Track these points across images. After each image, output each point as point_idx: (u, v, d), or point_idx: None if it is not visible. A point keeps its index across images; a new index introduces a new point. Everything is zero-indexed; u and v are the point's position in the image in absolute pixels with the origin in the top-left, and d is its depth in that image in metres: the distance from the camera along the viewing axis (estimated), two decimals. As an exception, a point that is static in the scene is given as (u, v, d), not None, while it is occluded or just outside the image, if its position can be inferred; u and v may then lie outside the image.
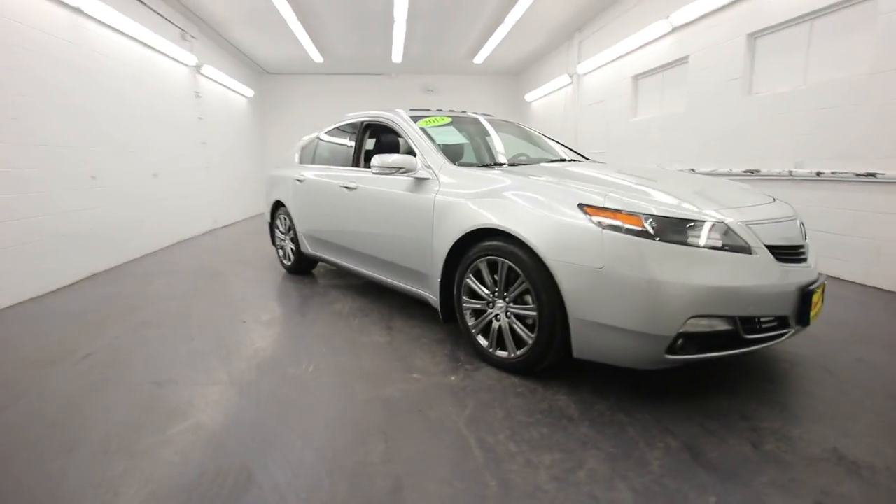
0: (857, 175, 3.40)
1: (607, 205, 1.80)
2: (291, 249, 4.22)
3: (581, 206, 1.84)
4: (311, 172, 3.80)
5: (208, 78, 7.56)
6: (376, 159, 2.67)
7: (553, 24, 7.70)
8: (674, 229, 1.71)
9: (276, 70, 10.82)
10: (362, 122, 3.42)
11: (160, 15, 5.92)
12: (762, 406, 1.84)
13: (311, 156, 4.06)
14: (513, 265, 2.02)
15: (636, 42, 6.14)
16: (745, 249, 1.73)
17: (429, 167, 2.59)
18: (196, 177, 7.01)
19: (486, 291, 2.20)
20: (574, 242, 1.81)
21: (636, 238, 1.70)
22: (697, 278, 1.64)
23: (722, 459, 1.52)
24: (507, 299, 2.11)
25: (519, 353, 2.09)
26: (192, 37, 6.88)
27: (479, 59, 9.68)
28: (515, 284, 2.04)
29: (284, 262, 4.39)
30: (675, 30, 5.44)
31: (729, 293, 1.65)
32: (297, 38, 7.91)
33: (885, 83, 3.26)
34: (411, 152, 2.79)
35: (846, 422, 1.73)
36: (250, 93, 9.76)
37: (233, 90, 8.88)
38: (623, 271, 1.69)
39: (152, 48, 5.73)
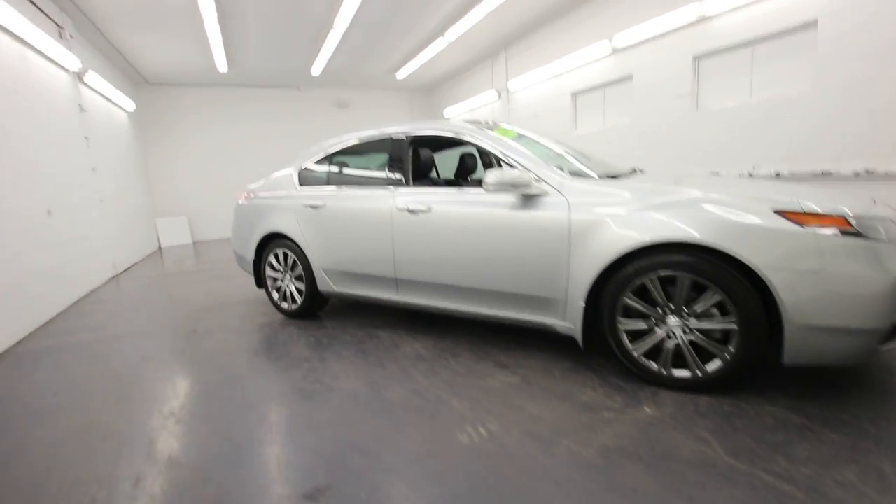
0: (814, 174, 4.13)
1: (806, 209, 1.84)
2: (297, 290, 3.51)
3: (779, 211, 1.85)
4: (333, 196, 3.22)
5: (91, 88, 6.01)
6: (491, 175, 2.35)
7: (480, 41, 7.91)
8: (868, 227, 1.81)
9: (160, 80, 9.15)
10: (407, 136, 3.01)
11: (30, 2, 4.51)
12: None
13: (321, 177, 3.44)
14: (700, 278, 1.93)
15: (576, 62, 6.63)
16: None
17: (541, 181, 2.38)
18: (91, 212, 5.46)
19: (654, 310, 2.08)
20: (783, 249, 1.80)
21: (851, 239, 1.76)
22: None
23: None
24: (685, 315, 2.02)
25: (710, 369, 2.00)
26: (70, 35, 5.40)
27: (403, 74, 9.50)
28: (703, 298, 1.96)
29: (283, 304, 3.63)
30: (617, 51, 6.02)
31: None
32: (205, 41, 6.78)
33: (824, 99, 4.03)
34: (488, 166, 2.54)
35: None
36: (131, 106, 8.04)
37: (115, 103, 7.21)
38: (847, 270, 1.73)
39: (28, 45, 4.32)
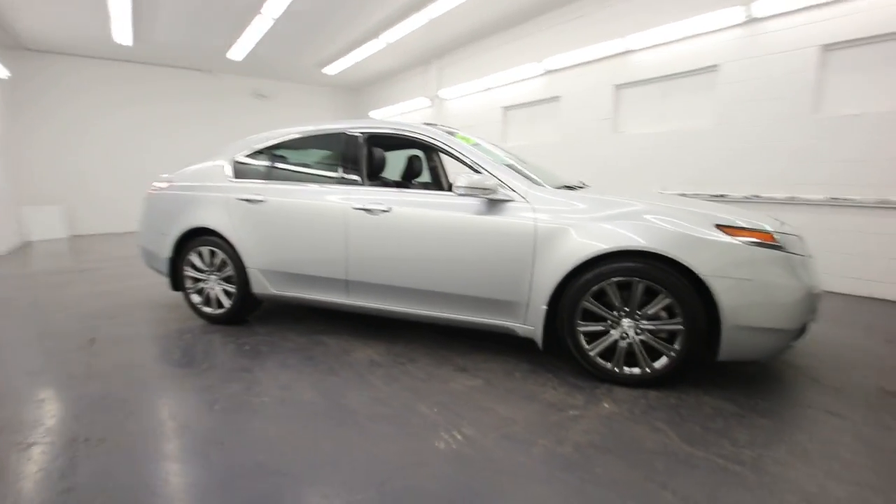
0: (713, 196, 4.77)
1: (741, 224, 2.10)
2: (225, 292, 3.16)
3: (719, 226, 2.09)
4: (277, 191, 2.96)
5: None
6: (463, 179, 2.33)
7: (414, 48, 7.93)
8: (788, 242, 2.13)
9: (44, 46, 7.74)
10: (363, 134, 2.88)
11: None
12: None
13: (260, 170, 3.14)
14: (652, 283, 2.11)
15: (508, 78, 6.95)
16: (808, 257, 2.28)
17: (505, 187, 2.42)
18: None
19: (611, 312, 2.22)
20: (725, 259, 2.03)
21: (775, 252, 2.05)
22: (813, 279, 2.10)
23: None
24: (638, 317, 2.18)
25: (657, 366, 2.18)
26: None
27: (333, 70, 9.15)
28: (655, 302, 2.13)
29: (206, 309, 3.23)
30: (547, 73, 6.42)
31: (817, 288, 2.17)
32: (105, 7, 5.89)
33: (722, 133, 4.69)
34: (434, 173, 2.54)
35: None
36: (4, 73, 6.67)
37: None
38: (774, 280, 2.01)
39: None
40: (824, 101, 3.99)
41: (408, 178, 3.59)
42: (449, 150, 2.66)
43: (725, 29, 4.50)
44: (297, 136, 3.11)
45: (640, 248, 2.10)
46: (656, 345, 2.17)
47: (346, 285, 2.80)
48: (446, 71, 8.41)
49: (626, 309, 2.20)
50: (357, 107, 11.61)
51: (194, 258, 3.21)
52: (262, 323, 3.28)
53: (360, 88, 11.39)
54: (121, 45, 7.53)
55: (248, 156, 3.22)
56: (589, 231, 2.22)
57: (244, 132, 10.67)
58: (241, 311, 3.18)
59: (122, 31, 6.75)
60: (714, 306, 2.06)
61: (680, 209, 2.21)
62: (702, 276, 2.03)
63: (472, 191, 2.34)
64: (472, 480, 1.56)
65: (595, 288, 2.20)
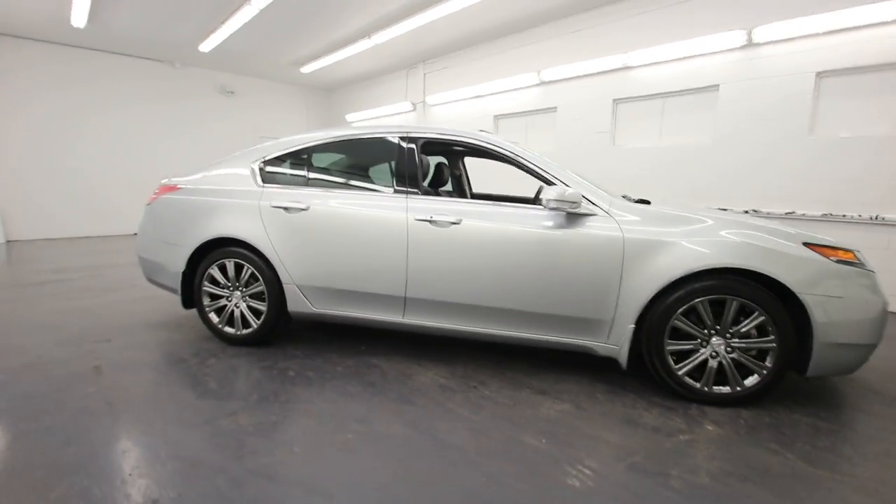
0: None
1: (828, 243, 2.15)
2: (252, 311, 2.82)
3: (807, 244, 2.13)
4: (321, 199, 2.69)
5: None
6: (552, 192, 2.21)
7: (398, 51, 7.73)
8: (864, 259, 2.21)
9: (-31, 21, 6.69)
10: (419, 139, 2.69)
11: None
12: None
13: (296, 176, 2.84)
14: (747, 301, 2.11)
15: (501, 87, 6.94)
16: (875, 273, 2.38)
17: (587, 201, 2.34)
18: None
19: (701, 330, 2.19)
20: (818, 277, 2.07)
21: (859, 269, 2.11)
22: (885, 294, 2.19)
23: None
24: (729, 335, 2.17)
25: (748, 384, 2.18)
26: None
27: (310, 69, 8.70)
28: (750, 320, 2.13)
29: (228, 329, 2.86)
30: (543, 83, 6.48)
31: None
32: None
33: (721, 150, 4.92)
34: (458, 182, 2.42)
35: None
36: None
37: None
38: (863, 296, 2.07)
39: None
40: (819, 124, 4.31)
41: (434, 187, 3.43)
42: (519, 159, 2.53)
43: (726, 51, 4.74)
44: (337, 139, 2.85)
45: (739, 266, 2.09)
46: (749, 363, 2.18)
47: (404, 303, 2.59)
48: (434, 76, 8.28)
49: (718, 327, 2.19)
50: (330, 109, 11.16)
51: (215, 272, 2.84)
52: (292, 343, 2.96)
53: (334, 89, 10.96)
54: (72, 27, 6.69)
55: (277, 160, 2.91)
56: (682, 247, 2.19)
57: (206, 128, 10.00)
58: (272, 332, 2.85)
59: (76, 12, 6.00)
60: (805, 323, 2.09)
61: (769, 227, 2.23)
62: (798, 294, 2.05)
63: (561, 204, 2.23)
64: (635, 523, 1.44)
65: (688, 305, 2.18)
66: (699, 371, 2.24)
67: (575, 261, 2.30)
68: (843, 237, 4.13)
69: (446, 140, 2.68)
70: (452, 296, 2.49)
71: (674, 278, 2.15)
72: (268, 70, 9.32)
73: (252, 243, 2.73)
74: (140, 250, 3.16)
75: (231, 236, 2.77)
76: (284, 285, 2.73)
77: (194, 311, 3.10)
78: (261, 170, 2.90)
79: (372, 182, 2.78)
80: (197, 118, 9.28)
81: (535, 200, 3.03)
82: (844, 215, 4.17)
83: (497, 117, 7.28)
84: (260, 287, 2.77)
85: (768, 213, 4.61)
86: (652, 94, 5.44)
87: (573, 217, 2.34)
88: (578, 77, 6.04)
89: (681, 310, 2.18)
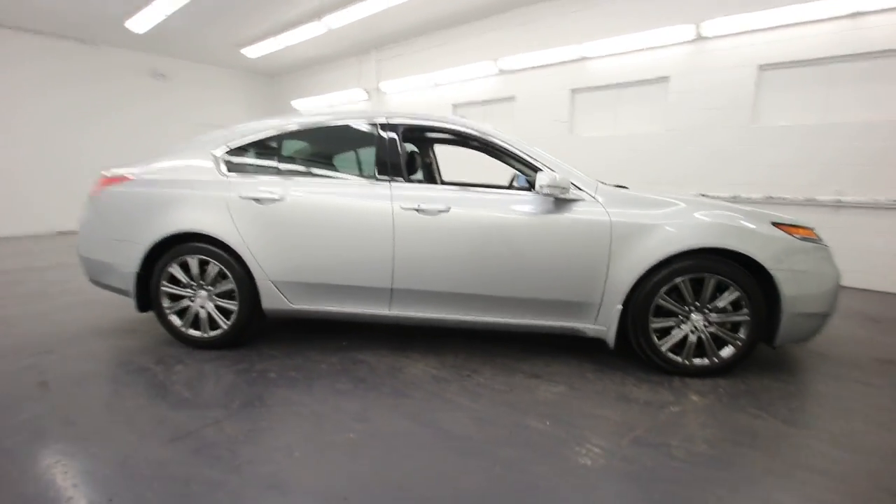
0: (666, 195, 5.26)
1: (792, 222, 2.32)
2: (220, 310, 2.60)
3: (775, 224, 2.29)
4: (297, 188, 2.52)
5: None
6: (545, 178, 2.20)
7: (350, 35, 7.45)
8: (819, 237, 2.41)
9: None
10: (400, 126, 2.58)
11: None
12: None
13: (266, 164, 2.64)
14: (723, 279, 2.23)
15: (460, 75, 6.89)
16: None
17: (574, 186, 2.37)
18: None
19: (682, 307, 2.30)
20: (786, 254, 2.23)
21: (818, 244, 2.30)
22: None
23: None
24: (707, 311, 2.29)
25: (724, 356, 2.32)
26: None
27: (255, 52, 8.16)
28: (725, 295, 2.26)
29: (193, 332, 2.63)
30: (502, 72, 6.50)
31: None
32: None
33: (672, 138, 5.20)
34: (429, 169, 2.41)
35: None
36: None
37: None
38: (822, 270, 2.26)
39: None
40: (761, 113, 4.66)
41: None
42: (504, 145, 2.51)
43: (676, 44, 4.99)
44: (312, 125, 2.68)
45: (718, 246, 2.20)
46: (725, 336, 2.31)
47: (391, 294, 2.50)
48: (388, 63, 8.06)
49: (696, 303, 2.30)
50: (274, 95, 10.57)
51: (175, 271, 2.59)
52: (267, 343, 2.78)
53: (279, 75, 10.39)
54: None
55: (243, 148, 2.69)
56: (665, 229, 2.27)
57: (135, 116, 9.11)
58: (244, 333, 2.66)
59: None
60: (774, 297, 2.25)
61: (742, 209, 2.37)
62: (770, 270, 2.20)
63: (554, 189, 2.24)
64: (665, 496, 1.47)
65: (669, 285, 2.27)
66: (679, 346, 2.36)
67: (565, 245, 2.33)
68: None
69: (429, 126, 2.61)
70: (441, 285, 2.44)
71: (660, 259, 2.23)
72: (206, 53, 8.65)
73: (219, 238, 2.51)
74: (82, 249, 2.81)
75: (194, 231, 2.53)
76: (258, 281, 2.55)
77: (150, 314, 2.82)
78: (224, 158, 2.67)
79: (351, 170, 2.65)
80: (123, 105, 8.44)
81: (510, 187, 3.03)
82: (783, 198, 4.56)
83: (455, 106, 7.24)
84: (229, 285, 2.56)
85: (715, 197, 4.93)
86: (608, 85, 5.63)
87: (561, 203, 2.36)
88: (536, 67, 6.13)
89: (664, 289, 2.28)
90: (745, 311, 2.26)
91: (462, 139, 2.65)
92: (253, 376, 2.33)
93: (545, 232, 2.34)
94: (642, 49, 5.23)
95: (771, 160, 4.60)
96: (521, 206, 2.37)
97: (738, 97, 4.70)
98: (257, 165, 2.68)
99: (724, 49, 4.72)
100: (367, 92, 8.46)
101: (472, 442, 1.77)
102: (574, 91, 5.92)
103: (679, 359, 2.35)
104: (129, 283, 2.65)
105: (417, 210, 2.40)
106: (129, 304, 2.70)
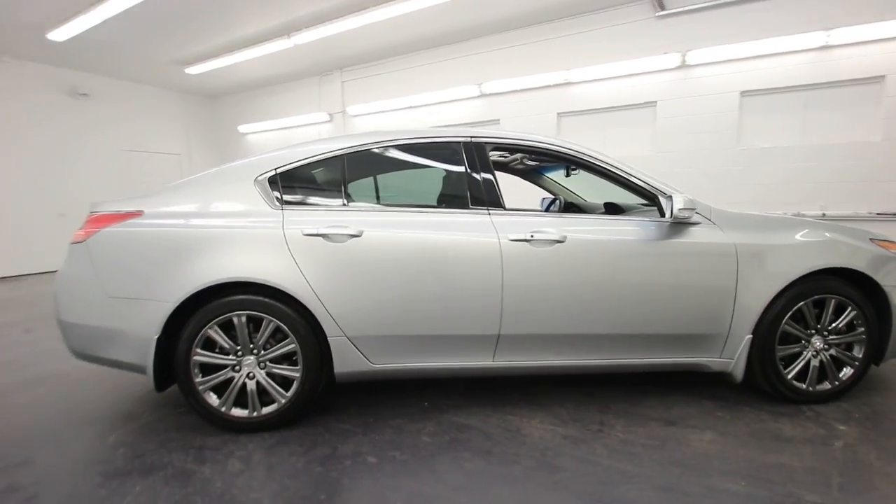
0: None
1: (882, 237, 2.34)
2: (278, 379, 2.03)
3: (872, 240, 2.29)
4: (375, 221, 2.07)
5: None
6: (684, 201, 1.99)
7: (309, 54, 6.96)
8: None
9: None
10: (488, 144, 2.27)
11: None
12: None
13: (331, 192, 2.17)
14: (844, 298, 2.18)
15: (439, 98, 6.70)
16: None
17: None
18: None
19: (805, 332, 2.20)
20: (890, 269, 2.22)
21: (905, 259, 2.34)
22: None
23: None
24: (825, 333, 2.22)
25: (843, 378, 2.23)
26: None
27: (198, 70, 7.29)
28: (844, 316, 2.19)
29: (237, 412, 2.02)
30: (484, 95, 6.41)
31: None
32: None
33: (661, 159, 5.40)
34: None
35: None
36: None
37: None
38: (917, 283, 2.30)
39: None
40: (744, 136, 4.99)
41: (444, 201, 3.00)
42: (607, 166, 2.29)
43: (663, 71, 5.25)
44: (383, 144, 2.27)
45: (843, 266, 2.14)
46: (844, 357, 2.25)
47: (496, 342, 2.12)
48: (354, 84, 7.65)
49: (818, 327, 2.22)
50: (217, 119, 9.60)
51: (214, 333, 1.99)
52: (326, 415, 2.21)
53: (222, 96, 9.45)
54: None
55: (295, 173, 2.19)
56: (788, 251, 2.17)
57: (48, 141, 7.65)
58: (305, 407, 2.10)
59: None
60: (884, 314, 2.24)
61: (844, 227, 2.35)
62: (885, 288, 2.19)
63: (689, 213, 2.04)
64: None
65: (794, 308, 2.17)
66: (801, 373, 2.25)
67: (692, 273, 2.14)
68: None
69: (523, 146, 2.32)
70: (558, 326, 2.12)
71: (787, 283, 2.12)
72: (136, 70, 7.59)
73: (280, 286, 1.97)
74: (66, 314, 2.08)
75: (247, 279, 1.97)
76: (330, 339, 2.03)
77: (167, 393, 2.13)
78: (273, 184, 2.15)
79: (433, 198, 2.27)
80: (34, 126, 7.07)
81: (610, 210, 2.82)
82: (775, 213, 4.87)
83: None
84: (289, 346, 2.02)
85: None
86: (595, 109, 5.76)
87: (679, 227, 2.17)
88: (521, 90, 6.12)
89: (789, 313, 2.17)
90: (861, 329, 2.22)
91: (563, 160, 2.38)
92: (346, 465, 1.80)
93: (671, 260, 2.13)
94: (629, 75, 5.43)
95: (758, 179, 4.92)
96: (640, 233, 2.15)
97: (722, 121, 5.01)
98: (318, 194, 2.20)
99: (709, 76, 5.03)
100: (331, 115, 7.95)
101: (686, 522, 1.46)
102: (560, 114, 5.99)
103: (803, 385, 2.23)
104: (145, 355, 1.99)
105: (529, 241, 2.08)
106: (128, 380, 2.05)
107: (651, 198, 2.25)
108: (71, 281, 2.08)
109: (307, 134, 8.33)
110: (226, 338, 2.01)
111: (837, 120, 4.57)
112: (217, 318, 1.98)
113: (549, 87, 5.94)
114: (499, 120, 6.41)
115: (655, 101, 5.36)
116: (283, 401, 2.04)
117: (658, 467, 1.76)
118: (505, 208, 2.19)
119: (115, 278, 2.02)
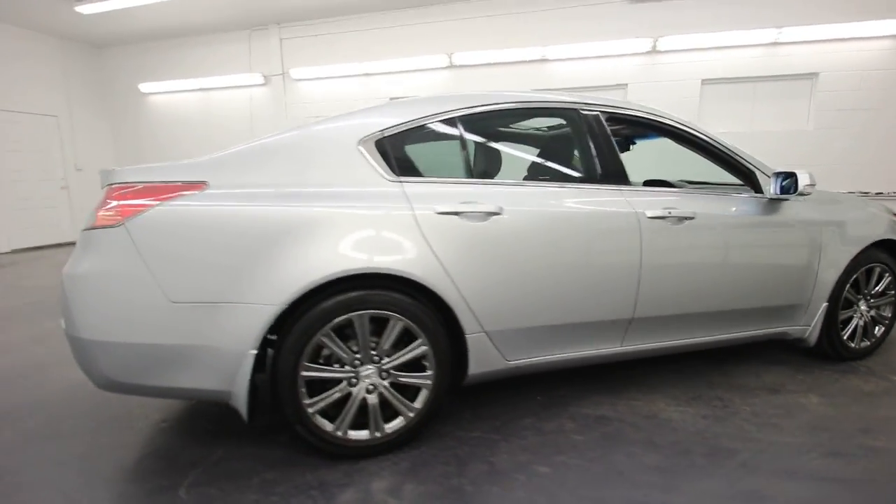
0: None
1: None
2: (395, 389, 1.67)
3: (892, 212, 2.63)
4: (509, 195, 1.77)
5: None
6: (807, 177, 2.02)
7: (237, 4, 5.96)
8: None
9: None
10: (608, 115, 2.08)
11: None
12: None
13: (452, 162, 1.79)
14: (885, 266, 2.47)
15: (403, 66, 6.20)
16: None
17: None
18: None
19: (857, 297, 2.46)
20: (913, 239, 2.59)
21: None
22: None
23: None
24: (869, 298, 2.51)
25: (877, 333, 2.56)
26: None
27: (91, 9, 5.73)
28: (884, 283, 2.49)
29: (357, 435, 1.62)
30: (454, 67, 6.07)
31: None
32: None
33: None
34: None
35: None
36: None
37: None
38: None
39: None
40: (703, 122, 5.46)
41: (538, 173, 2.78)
42: (711, 141, 2.27)
43: (635, 55, 5.46)
44: (499, 106, 1.95)
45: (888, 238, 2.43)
46: (879, 318, 2.56)
47: (627, 326, 1.99)
48: (297, 43, 6.71)
49: (864, 292, 2.50)
50: (107, 74, 7.77)
51: (329, 341, 1.55)
52: (435, 424, 1.90)
53: (115, 47, 7.63)
54: None
55: (404, 137, 1.78)
56: (855, 224, 2.38)
57: None
58: (433, 417, 1.76)
59: None
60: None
61: (879, 203, 2.65)
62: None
63: (811, 189, 2.10)
64: None
65: (853, 278, 2.41)
66: (851, 333, 2.52)
67: (792, 246, 2.24)
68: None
69: (637, 118, 2.19)
70: (684, 306, 2.06)
71: (855, 254, 2.34)
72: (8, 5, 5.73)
73: (415, 277, 1.60)
74: (92, 330, 1.43)
75: (376, 270, 1.55)
76: (468, 336, 1.72)
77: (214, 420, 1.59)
78: (382, 150, 1.71)
79: (559, 169, 2.03)
80: None
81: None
82: (724, 192, 5.45)
83: (394, 100, 6.48)
84: (420, 348, 1.66)
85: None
86: (567, 88, 5.81)
87: (776, 203, 2.24)
88: (495, 64, 5.93)
89: (849, 282, 2.40)
90: (893, 292, 2.56)
91: (672, 135, 2.30)
92: (521, 480, 1.55)
93: (775, 234, 2.21)
94: (603, 56, 5.57)
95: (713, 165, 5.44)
96: (747, 208, 2.18)
97: (685, 107, 5.41)
98: (434, 162, 1.82)
99: (675, 63, 5.38)
100: (266, 77, 6.91)
101: (877, 485, 1.52)
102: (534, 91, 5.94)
103: (852, 344, 2.52)
104: (234, 377, 1.48)
105: (665, 218, 1.97)
106: (139, 407, 1.52)
107: (747, 174, 2.29)
108: (102, 283, 1.45)
109: (235, 97, 7.17)
110: (343, 345, 1.59)
111: (779, 110, 5.24)
112: (332, 320, 1.55)
113: (522, 62, 5.85)
114: (469, 94, 6.16)
115: (627, 84, 5.60)
116: (412, 414, 1.69)
117: (806, 434, 1.82)
118: (631, 184, 2.05)
119: (182, 277, 1.46)
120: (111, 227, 1.45)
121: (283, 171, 1.63)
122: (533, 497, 1.47)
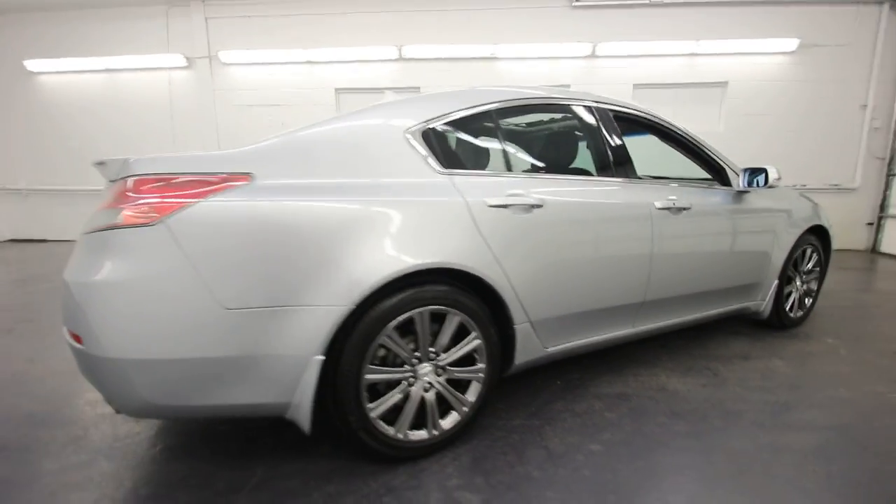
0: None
1: (809, 197, 3.24)
2: (453, 385, 1.65)
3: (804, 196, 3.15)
4: (548, 188, 1.82)
5: None
6: (776, 171, 2.32)
7: None
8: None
9: None
10: (611, 111, 2.22)
11: None
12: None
13: (493, 153, 1.79)
14: (814, 247, 2.96)
15: (348, 55, 5.95)
16: None
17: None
18: None
19: (795, 272, 2.92)
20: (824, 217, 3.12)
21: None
22: None
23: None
24: (802, 275, 2.98)
25: (807, 305, 3.06)
26: None
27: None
28: (813, 261, 2.98)
29: (416, 435, 1.57)
30: (404, 59, 5.97)
31: None
32: None
33: (571, 138, 6.05)
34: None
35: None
36: None
37: None
38: (835, 234, 3.28)
39: None
40: (635, 122, 5.99)
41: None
42: (685, 137, 2.54)
43: (577, 58, 5.82)
44: (538, 101, 2.05)
45: (819, 224, 2.90)
46: (808, 290, 3.06)
47: (638, 309, 2.16)
48: (226, 24, 6.11)
49: (798, 270, 2.96)
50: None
51: (391, 341, 1.48)
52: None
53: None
54: None
55: (448, 129, 1.74)
56: (796, 212, 2.80)
57: None
58: (481, 409, 1.76)
59: None
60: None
61: (803, 193, 3.14)
62: (829, 231, 3.06)
63: (778, 182, 2.42)
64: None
65: (795, 256, 2.85)
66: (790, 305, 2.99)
67: (759, 232, 2.59)
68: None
69: (632, 115, 2.36)
70: (683, 288, 2.30)
71: (797, 237, 2.77)
72: None
73: (474, 271, 1.58)
74: (125, 347, 1.21)
75: (441, 265, 1.51)
76: (517, 327, 1.75)
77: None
78: (427, 142, 1.66)
79: (588, 162, 2.13)
80: None
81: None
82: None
83: (339, 91, 6.22)
84: (474, 342, 1.65)
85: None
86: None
87: (742, 194, 2.56)
88: (446, 59, 5.95)
89: (791, 262, 2.84)
90: (818, 269, 3.08)
91: (656, 132, 2.52)
92: (581, 460, 1.62)
93: (748, 221, 2.54)
94: (548, 57, 5.85)
95: (643, 161, 6.01)
96: (724, 199, 2.47)
97: (620, 108, 5.90)
98: (475, 155, 1.80)
99: (611, 67, 5.84)
100: (189, 60, 6.21)
101: (858, 430, 1.84)
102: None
103: (793, 315, 2.98)
104: (296, 386, 1.35)
105: (670, 209, 2.16)
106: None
107: (718, 170, 2.58)
108: (136, 292, 1.23)
109: (150, 80, 6.34)
110: (404, 344, 1.53)
111: (696, 113, 5.94)
112: (395, 318, 1.48)
113: (473, 59, 5.94)
114: (419, 87, 6.11)
115: (569, 85, 5.95)
116: (466, 409, 1.68)
117: (787, 392, 2.14)
118: (639, 177, 2.23)
119: (236, 280, 1.29)
120: (145, 226, 1.24)
121: (331, 162, 1.52)
122: (598, 475, 1.55)
